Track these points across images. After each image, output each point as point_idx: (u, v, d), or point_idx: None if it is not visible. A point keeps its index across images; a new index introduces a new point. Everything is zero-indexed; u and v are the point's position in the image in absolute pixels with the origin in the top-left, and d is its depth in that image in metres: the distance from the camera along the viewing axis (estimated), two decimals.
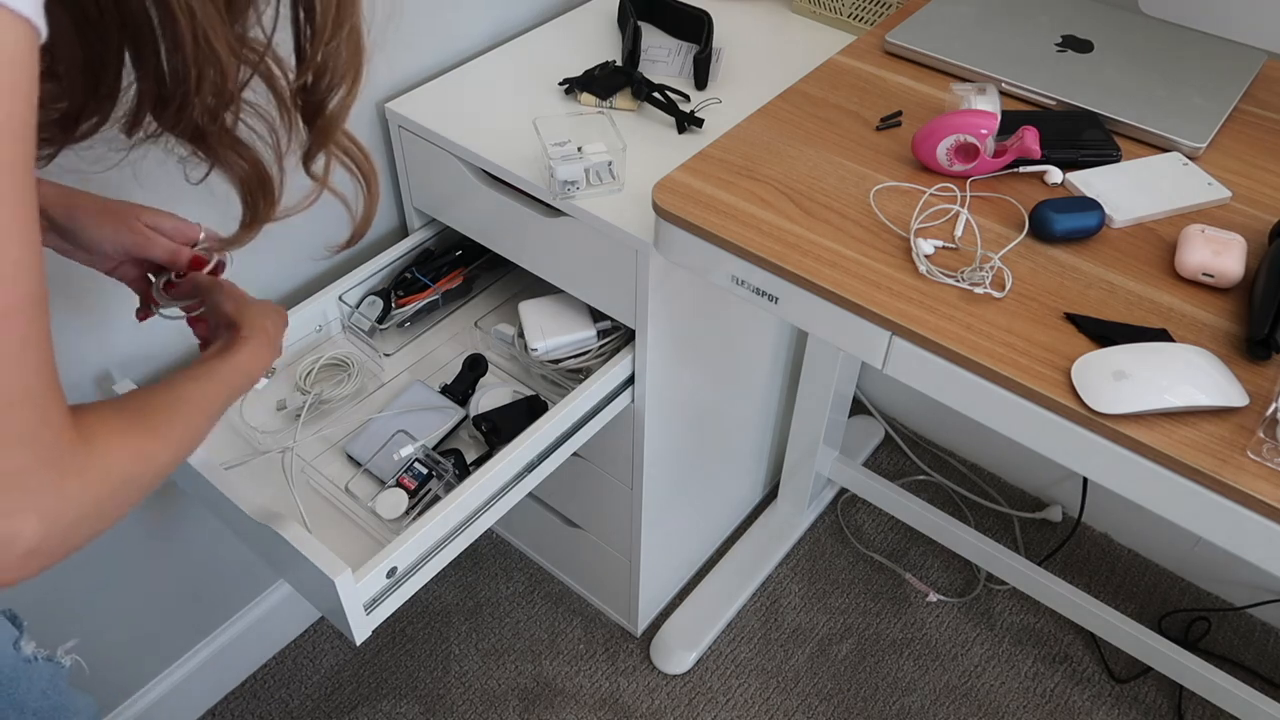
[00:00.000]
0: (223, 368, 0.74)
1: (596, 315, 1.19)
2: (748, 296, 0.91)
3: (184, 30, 0.51)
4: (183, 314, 0.89)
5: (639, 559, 1.42)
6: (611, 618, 1.60)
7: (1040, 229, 0.88)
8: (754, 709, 1.50)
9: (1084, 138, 0.98)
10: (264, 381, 1.13)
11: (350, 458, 1.11)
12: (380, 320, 1.22)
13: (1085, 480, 1.67)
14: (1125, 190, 0.92)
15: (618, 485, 1.33)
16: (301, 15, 0.58)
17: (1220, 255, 0.83)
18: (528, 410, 1.13)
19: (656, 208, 0.93)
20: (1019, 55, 1.08)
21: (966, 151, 0.93)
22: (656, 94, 1.17)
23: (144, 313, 0.90)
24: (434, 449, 1.10)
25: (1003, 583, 1.65)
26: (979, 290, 0.83)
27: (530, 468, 1.08)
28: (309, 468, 1.10)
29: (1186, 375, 0.74)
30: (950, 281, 0.84)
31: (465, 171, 1.16)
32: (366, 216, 0.73)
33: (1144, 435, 0.73)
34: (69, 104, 0.51)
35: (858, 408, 1.89)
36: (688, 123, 1.14)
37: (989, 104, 0.95)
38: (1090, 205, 0.88)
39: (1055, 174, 0.95)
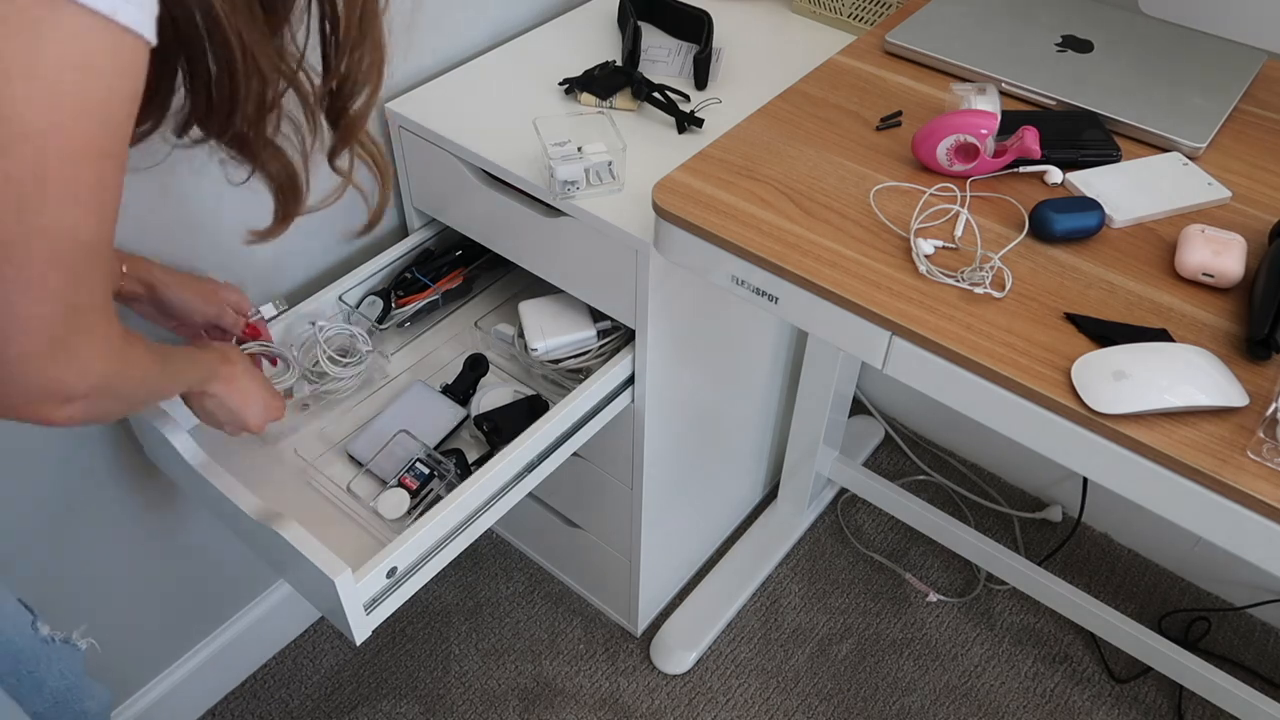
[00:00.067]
0: (190, 366, 0.88)
1: (596, 315, 1.19)
2: (748, 296, 0.91)
3: (234, 48, 0.59)
4: None
5: (639, 559, 1.42)
6: (611, 618, 1.60)
7: (1040, 229, 0.88)
8: (754, 709, 1.50)
9: (1084, 138, 0.98)
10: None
11: (351, 458, 1.11)
12: (380, 320, 1.22)
13: (1085, 480, 1.67)
14: (1125, 190, 0.92)
15: (618, 485, 1.33)
16: (327, 28, 0.65)
17: (1220, 255, 0.83)
18: (528, 410, 1.13)
19: (656, 208, 0.93)
20: (1019, 55, 1.08)
21: (966, 151, 0.93)
22: (656, 94, 1.17)
23: None
24: (435, 449, 1.10)
25: (1003, 583, 1.65)
26: (979, 290, 0.83)
27: (530, 468, 1.08)
28: (310, 467, 1.10)
29: (1186, 375, 0.74)
30: (950, 281, 0.84)
31: (465, 171, 1.16)
32: (381, 205, 0.81)
33: (1144, 435, 0.73)
34: None
35: (858, 408, 1.89)
36: (688, 123, 1.14)
37: (989, 104, 0.95)
38: (1090, 205, 0.88)
39: (1055, 174, 0.95)
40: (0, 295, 0.54)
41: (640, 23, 1.32)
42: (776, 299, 0.89)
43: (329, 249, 1.27)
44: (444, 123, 1.17)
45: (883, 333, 0.83)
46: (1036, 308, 0.82)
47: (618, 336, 1.19)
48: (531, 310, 1.20)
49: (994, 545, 1.52)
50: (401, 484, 1.05)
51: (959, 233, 0.89)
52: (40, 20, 0.48)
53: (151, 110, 0.67)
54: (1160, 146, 0.98)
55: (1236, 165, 0.97)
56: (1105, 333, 0.79)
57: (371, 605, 0.96)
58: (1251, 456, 0.71)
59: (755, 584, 1.64)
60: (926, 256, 0.86)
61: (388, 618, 1.25)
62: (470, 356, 1.21)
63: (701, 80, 1.22)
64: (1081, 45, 1.09)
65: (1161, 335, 0.79)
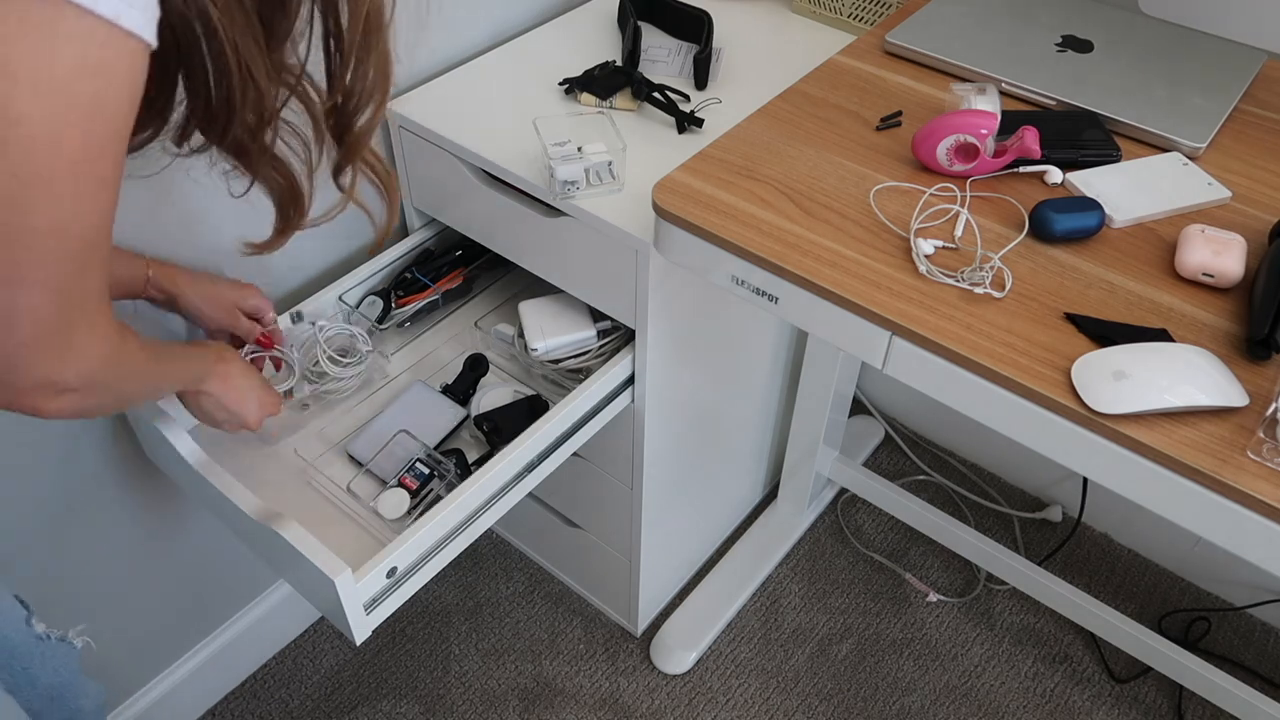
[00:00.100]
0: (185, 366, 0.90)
1: (596, 315, 1.19)
2: (748, 296, 0.91)
3: (229, 60, 0.60)
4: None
5: (639, 559, 1.42)
6: (611, 618, 1.60)
7: (1040, 229, 0.88)
8: (754, 709, 1.50)
9: (1084, 138, 0.98)
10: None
11: (351, 458, 1.11)
12: (380, 320, 1.22)
13: (1085, 480, 1.67)
14: (1125, 190, 0.92)
15: (618, 485, 1.33)
16: (331, 43, 0.66)
17: (1220, 255, 0.83)
18: (528, 410, 1.13)
19: (656, 208, 0.93)
20: (1019, 55, 1.08)
21: (966, 151, 0.93)
22: (656, 94, 1.17)
23: None
24: (435, 449, 1.10)
25: (1003, 583, 1.65)
26: (979, 290, 0.83)
27: (530, 468, 1.08)
28: (310, 467, 1.10)
29: (1186, 375, 0.74)
30: (950, 281, 0.84)
31: (465, 171, 1.16)
32: (389, 225, 0.82)
33: (1144, 435, 0.73)
34: None
35: (858, 408, 1.89)
36: (688, 123, 1.14)
37: (989, 104, 0.95)
38: (1090, 205, 0.88)
39: (1055, 174, 0.95)
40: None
41: (640, 23, 1.32)
42: (776, 299, 0.89)
43: (329, 249, 1.27)
44: (444, 123, 1.17)
45: (883, 333, 0.83)
46: (1036, 308, 0.82)
47: (618, 336, 1.19)
48: (531, 310, 1.20)
49: (994, 545, 1.52)
50: (401, 484, 1.05)
51: (959, 233, 0.89)
52: (44, 23, 0.49)
53: (151, 118, 0.68)
54: (1160, 146, 0.99)
55: (1236, 165, 0.97)
56: (1105, 333, 0.79)
57: (371, 605, 0.96)
58: (1251, 456, 0.71)
59: (755, 584, 1.64)
60: (926, 256, 0.86)
61: (388, 618, 1.25)
62: (470, 356, 1.21)
63: (701, 80, 1.22)
64: (1081, 45, 1.09)
65: (1161, 335, 0.79)
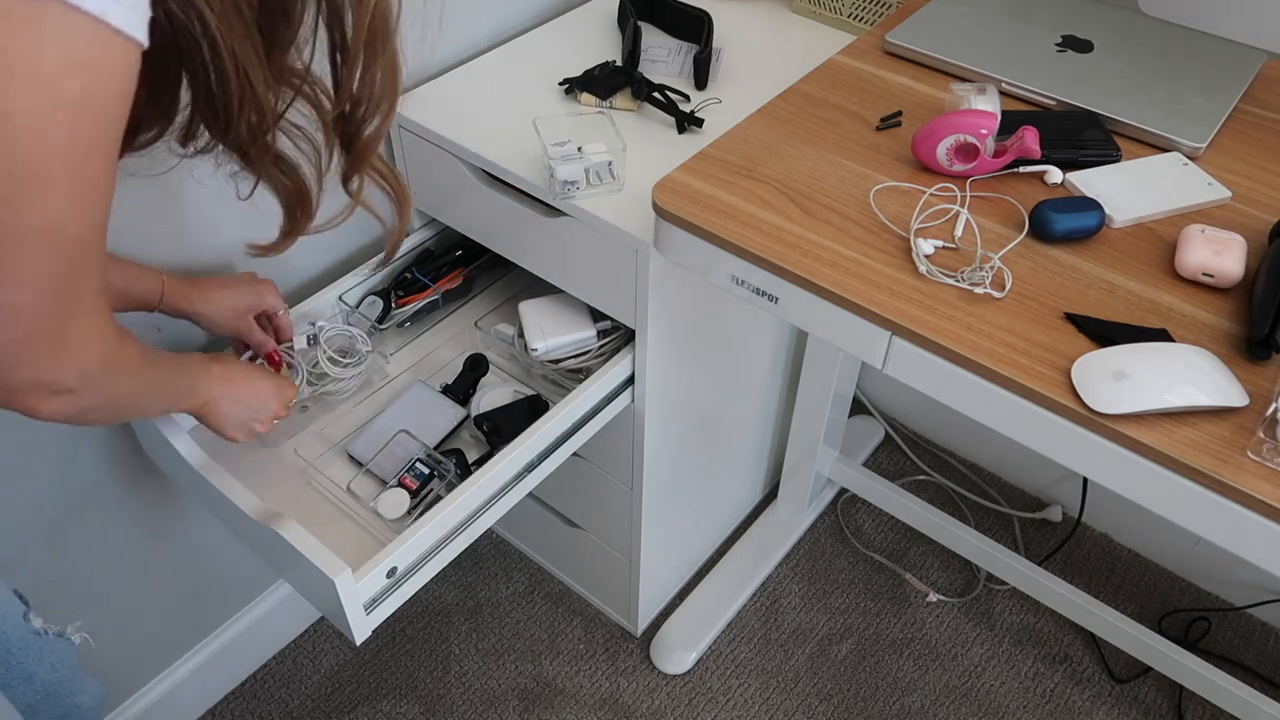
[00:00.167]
0: (184, 381, 0.90)
1: (596, 315, 1.19)
2: (748, 296, 0.91)
3: (227, 66, 0.61)
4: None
5: (639, 559, 1.42)
6: (611, 618, 1.60)
7: (1040, 229, 0.88)
8: (754, 709, 1.50)
9: (1084, 138, 0.98)
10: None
11: (352, 458, 1.11)
12: (380, 320, 1.22)
13: (1085, 480, 1.67)
14: (1125, 190, 0.92)
15: (618, 485, 1.33)
16: (337, 54, 0.67)
17: (1220, 255, 0.83)
18: (528, 410, 1.13)
19: (656, 208, 0.93)
20: (1019, 55, 1.08)
21: (966, 151, 0.93)
22: (656, 94, 1.17)
23: None
24: (435, 449, 1.10)
25: (1003, 583, 1.65)
26: (979, 290, 0.83)
27: (530, 468, 1.08)
28: (310, 467, 1.10)
29: (1186, 375, 0.74)
30: (950, 281, 0.84)
31: (465, 171, 1.16)
32: (400, 234, 0.83)
33: (1144, 435, 0.73)
34: (131, 116, 0.58)
35: (858, 408, 1.89)
36: (688, 123, 1.14)
37: (989, 104, 0.95)
38: (1090, 205, 0.88)
39: (1055, 174, 0.95)
40: None
41: (640, 23, 1.32)
42: (776, 299, 0.89)
43: (330, 249, 1.27)
44: (444, 123, 1.17)
45: (883, 333, 0.83)
46: (1036, 308, 0.82)
47: (618, 336, 1.19)
48: (531, 310, 1.20)
49: (994, 545, 1.52)
50: (401, 484, 1.05)
51: (959, 233, 0.89)
52: (30, 20, 0.49)
53: (156, 117, 0.68)
54: (1160, 146, 0.98)
55: (1236, 165, 0.97)
56: (1105, 333, 0.79)
57: (371, 605, 0.96)
58: (1251, 456, 0.71)
59: (755, 584, 1.64)
60: (926, 256, 0.86)
61: (388, 618, 1.25)
62: (470, 356, 1.21)
63: (701, 80, 1.22)
64: (1081, 45, 1.09)
65: (1161, 335, 0.79)
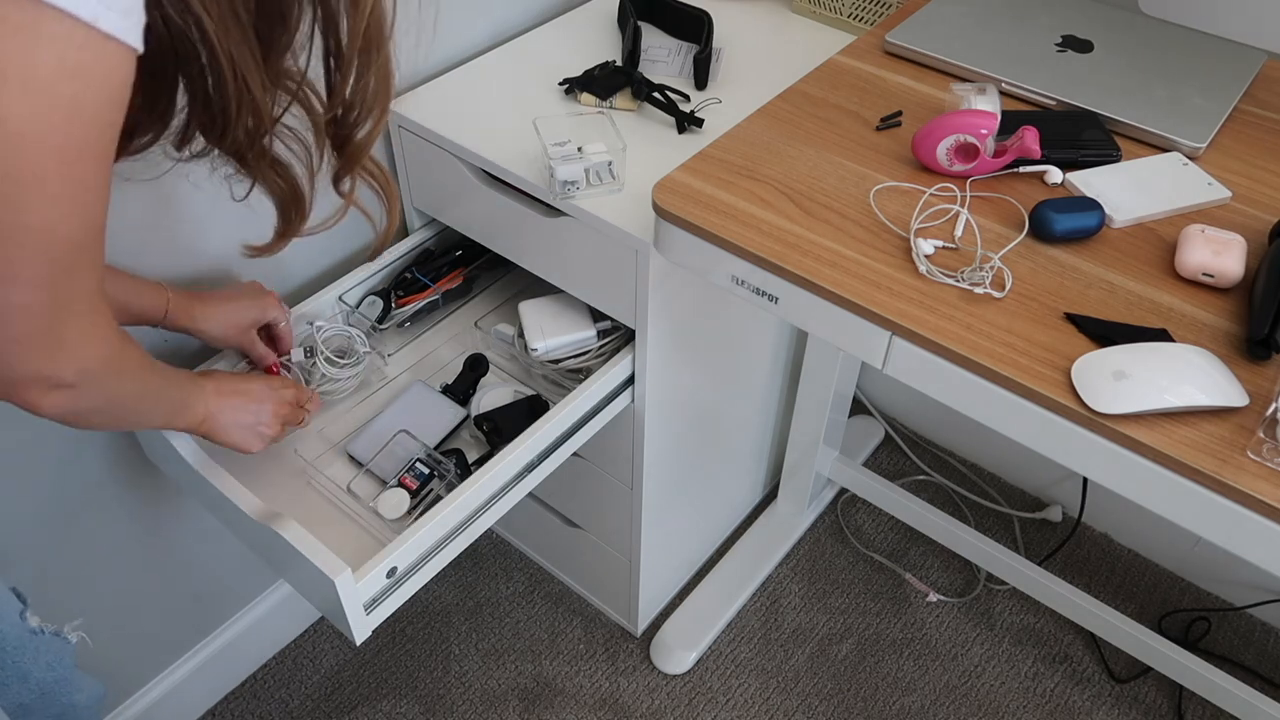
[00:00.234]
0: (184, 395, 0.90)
1: (596, 315, 1.19)
2: (748, 296, 0.91)
3: (224, 71, 0.61)
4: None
5: (639, 559, 1.42)
6: (611, 618, 1.60)
7: (1040, 229, 0.88)
8: (754, 709, 1.50)
9: (1084, 138, 0.98)
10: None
11: (351, 458, 1.11)
12: (380, 320, 1.22)
13: (1085, 480, 1.67)
14: (1125, 190, 0.92)
15: (618, 485, 1.33)
16: (331, 60, 0.67)
17: (1220, 255, 0.83)
18: (528, 410, 1.13)
19: (656, 208, 0.93)
20: (1019, 55, 1.08)
21: (966, 151, 0.93)
22: (656, 94, 1.17)
23: None
24: (435, 449, 1.10)
25: (1003, 583, 1.65)
26: (979, 290, 0.83)
27: (530, 468, 1.08)
28: (310, 467, 1.10)
29: (1186, 375, 0.74)
30: (950, 281, 0.84)
31: (465, 171, 1.16)
32: (389, 233, 0.84)
33: (1144, 435, 0.73)
34: (127, 120, 0.58)
35: (858, 408, 1.89)
36: (688, 123, 1.14)
37: (989, 104, 0.95)
38: (1090, 205, 0.88)
39: (1055, 174, 0.95)
40: None
41: (640, 23, 1.32)
42: (776, 299, 0.89)
43: (329, 249, 1.27)
44: (444, 123, 1.17)
45: (883, 333, 0.83)
46: (1036, 308, 0.82)
47: (618, 336, 1.19)
48: (531, 310, 1.20)
49: (994, 545, 1.52)
50: (401, 484, 1.05)
51: (959, 233, 0.89)
52: (25, 25, 0.50)
53: (152, 122, 0.69)
54: (1160, 146, 0.98)
55: (1236, 165, 0.97)
56: (1105, 333, 0.79)
57: (371, 605, 0.96)
58: (1251, 456, 0.71)
59: (755, 584, 1.64)
60: (926, 256, 0.86)
61: (388, 618, 1.25)
62: (470, 356, 1.21)
63: (701, 80, 1.22)
64: (1081, 45, 1.09)
65: (1161, 335, 0.79)
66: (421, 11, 1.12)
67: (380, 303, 1.23)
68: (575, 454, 1.23)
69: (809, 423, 1.57)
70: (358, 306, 1.23)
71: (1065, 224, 0.87)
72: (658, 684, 1.53)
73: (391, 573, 0.95)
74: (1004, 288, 0.84)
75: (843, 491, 1.79)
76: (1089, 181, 0.93)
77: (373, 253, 0.99)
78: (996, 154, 0.94)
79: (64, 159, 0.54)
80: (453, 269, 1.29)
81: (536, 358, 1.17)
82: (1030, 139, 0.92)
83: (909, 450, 1.86)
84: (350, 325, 1.19)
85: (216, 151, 0.70)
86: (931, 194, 0.93)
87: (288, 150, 0.73)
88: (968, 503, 1.79)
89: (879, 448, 1.88)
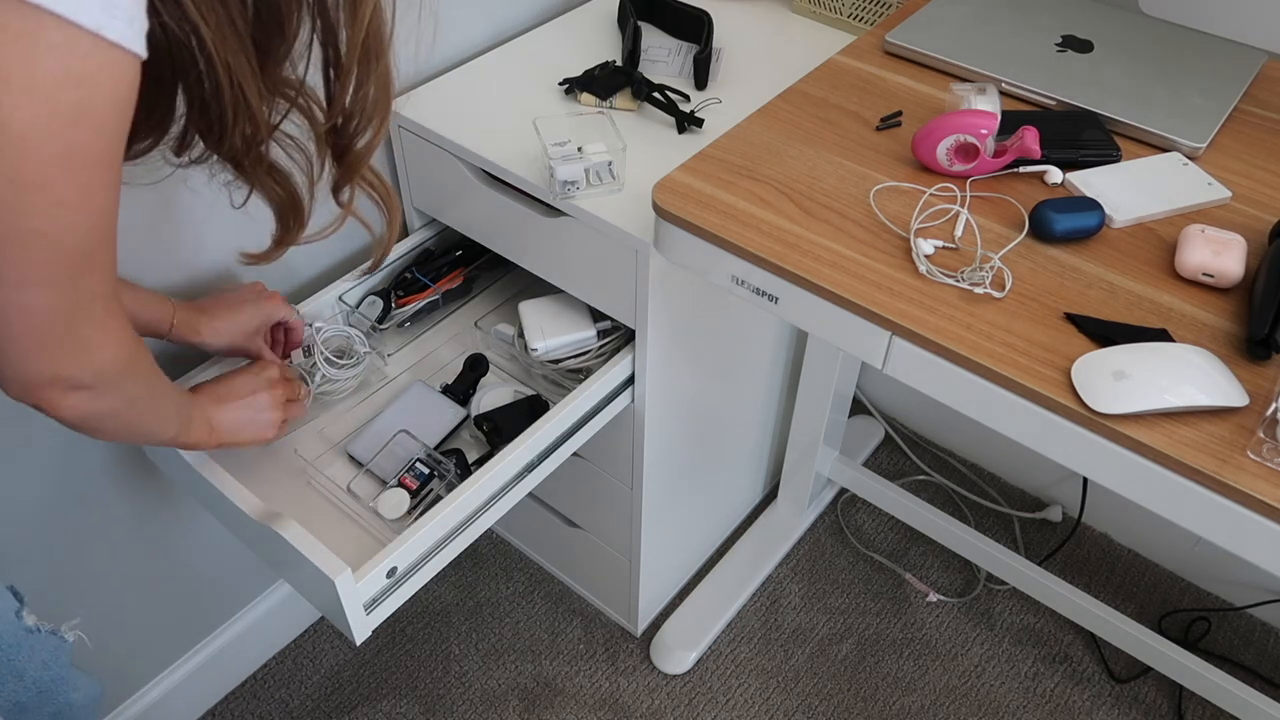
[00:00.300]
0: (187, 408, 0.91)
1: (596, 315, 1.19)
2: (748, 296, 0.91)
3: (221, 79, 0.62)
4: None
5: (639, 559, 1.42)
6: (611, 618, 1.60)
7: (1040, 229, 0.88)
8: (754, 709, 1.50)
9: (1084, 138, 0.98)
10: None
11: (351, 458, 1.11)
12: (380, 320, 1.22)
13: (1085, 480, 1.67)
14: (1125, 190, 0.92)
15: (618, 485, 1.33)
16: (330, 70, 0.68)
17: (1220, 255, 0.83)
18: (529, 410, 1.13)
19: (656, 208, 0.93)
20: (1019, 55, 1.08)
21: (966, 151, 0.93)
22: (656, 94, 1.17)
23: None
24: (435, 449, 1.10)
25: (1003, 583, 1.65)
26: (979, 290, 0.83)
27: (530, 468, 1.08)
28: (310, 467, 1.10)
29: (1186, 375, 0.74)
30: (950, 281, 0.84)
31: (465, 171, 1.16)
32: (389, 243, 0.84)
33: (1144, 435, 0.73)
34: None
35: (858, 408, 1.89)
36: (688, 123, 1.14)
37: (989, 104, 0.95)
38: (1090, 205, 0.88)
39: (1055, 174, 0.95)
40: (1, 290, 0.57)
41: (640, 23, 1.32)
42: (776, 299, 0.89)
43: (329, 250, 1.27)
44: (444, 123, 1.17)
45: (883, 333, 0.83)
46: (1036, 308, 0.82)
47: (618, 336, 1.19)
48: (531, 310, 1.20)
49: (994, 545, 1.52)
50: (401, 484, 1.05)
51: (959, 233, 0.89)
52: (25, 33, 0.50)
53: (151, 128, 0.69)
54: (1160, 146, 0.98)
55: (1236, 165, 0.97)
56: (1105, 333, 0.79)
57: (371, 605, 0.96)
58: (1251, 456, 0.71)
59: (755, 584, 1.64)
60: (926, 256, 0.86)
61: (388, 618, 1.25)
62: (470, 356, 1.21)
63: (701, 80, 1.22)
64: (1081, 45, 1.09)
65: (1161, 335, 0.79)
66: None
67: (380, 303, 1.23)
68: (575, 454, 1.23)
69: (809, 423, 1.57)
70: (358, 306, 1.23)
71: (1065, 224, 0.87)
72: (658, 684, 1.53)
73: (391, 573, 0.95)
74: (1004, 288, 0.84)
75: (843, 491, 1.79)
76: (1089, 181, 0.93)
77: (373, 264, 0.99)
78: (996, 154, 0.94)
79: (69, 165, 0.55)
80: (453, 269, 1.29)
81: (536, 358, 1.17)
82: (1030, 139, 0.92)
83: (909, 450, 1.86)
84: (350, 325, 1.19)
85: (215, 158, 0.71)
86: (931, 194, 0.93)
87: (289, 159, 0.74)
88: (968, 503, 1.79)
89: (879, 448, 1.88)
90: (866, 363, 0.87)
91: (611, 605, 1.58)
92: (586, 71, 1.21)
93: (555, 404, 1.09)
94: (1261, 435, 0.72)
